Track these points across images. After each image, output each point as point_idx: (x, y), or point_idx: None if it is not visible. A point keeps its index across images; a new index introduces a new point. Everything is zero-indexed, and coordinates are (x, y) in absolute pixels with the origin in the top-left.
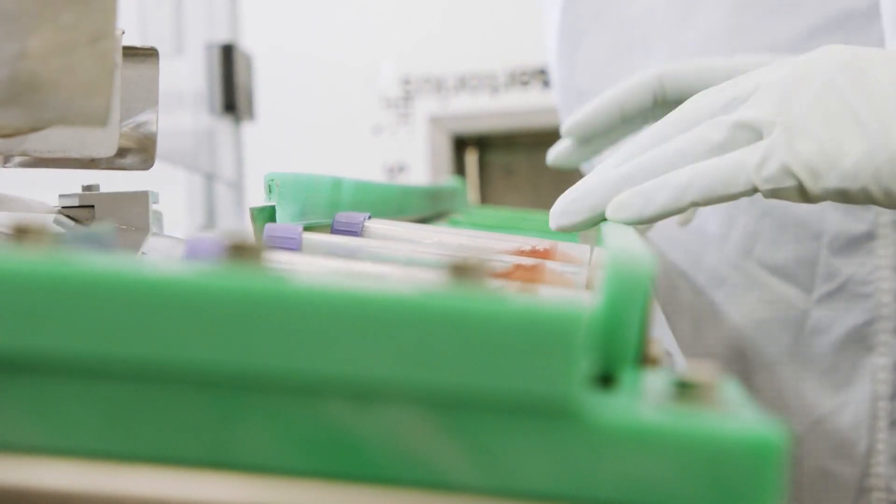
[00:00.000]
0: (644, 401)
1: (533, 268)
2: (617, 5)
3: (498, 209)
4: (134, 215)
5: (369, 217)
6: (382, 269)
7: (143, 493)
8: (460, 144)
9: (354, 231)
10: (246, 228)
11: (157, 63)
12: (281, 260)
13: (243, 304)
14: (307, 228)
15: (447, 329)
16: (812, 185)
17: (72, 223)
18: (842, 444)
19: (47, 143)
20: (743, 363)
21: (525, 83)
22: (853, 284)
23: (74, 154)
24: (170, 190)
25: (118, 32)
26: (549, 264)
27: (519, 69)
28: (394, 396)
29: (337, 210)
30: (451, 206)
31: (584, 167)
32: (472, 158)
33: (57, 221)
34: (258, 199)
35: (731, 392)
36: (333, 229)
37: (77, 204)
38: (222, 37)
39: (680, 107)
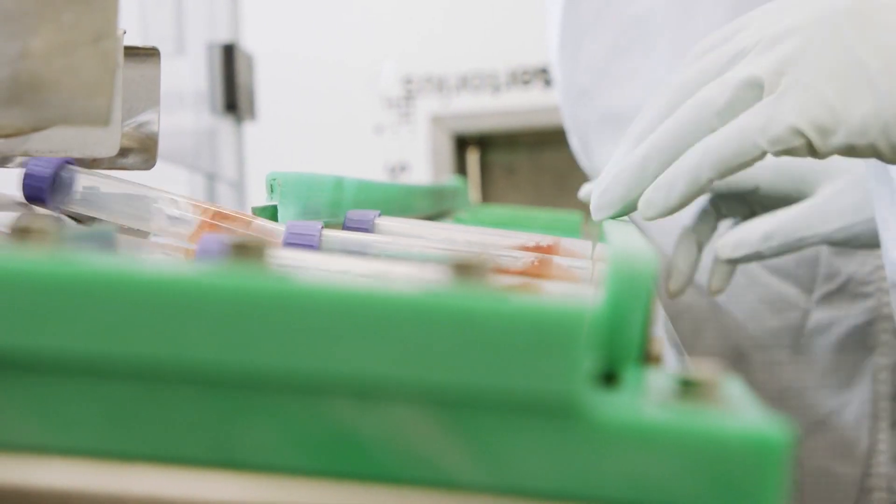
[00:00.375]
0: (647, 399)
1: (540, 263)
2: (618, 5)
3: (501, 207)
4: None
5: (379, 214)
6: (397, 265)
7: (146, 492)
8: (462, 144)
9: (366, 228)
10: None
11: (159, 63)
12: (298, 257)
13: (246, 303)
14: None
15: (451, 328)
16: (821, 144)
17: (73, 223)
18: (843, 444)
19: (49, 143)
20: (743, 363)
21: (527, 82)
22: (854, 284)
23: (76, 154)
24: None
25: (120, 32)
26: (556, 259)
27: (520, 68)
28: (397, 395)
29: (339, 209)
30: (452, 205)
31: (587, 169)
32: (473, 158)
33: (59, 221)
34: (259, 198)
35: (734, 390)
36: (345, 227)
37: None
38: (224, 37)
39: (683, 66)
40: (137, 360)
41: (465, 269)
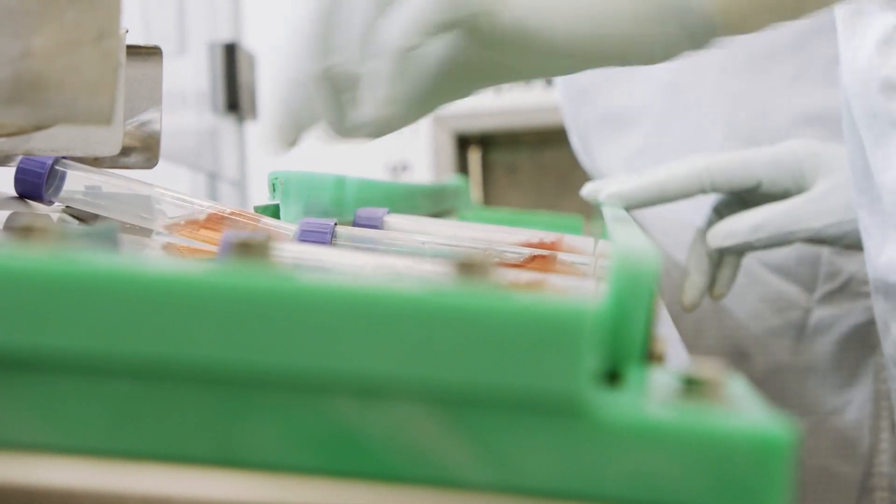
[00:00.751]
0: (651, 398)
1: (545, 258)
2: None
3: (501, 210)
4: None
5: (388, 212)
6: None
7: (150, 491)
8: (463, 143)
9: (375, 225)
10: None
11: (161, 62)
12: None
13: (249, 302)
14: None
15: (454, 326)
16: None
17: (76, 222)
18: (844, 443)
19: (51, 141)
20: (744, 362)
21: (528, 82)
22: (855, 283)
23: (78, 153)
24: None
25: (122, 31)
26: (560, 255)
27: None
28: (401, 394)
29: (341, 208)
30: (454, 204)
31: (588, 168)
32: (475, 157)
33: (61, 220)
34: (261, 198)
35: (737, 389)
36: (355, 224)
37: None
38: (225, 36)
39: None
40: (140, 358)
41: (469, 267)
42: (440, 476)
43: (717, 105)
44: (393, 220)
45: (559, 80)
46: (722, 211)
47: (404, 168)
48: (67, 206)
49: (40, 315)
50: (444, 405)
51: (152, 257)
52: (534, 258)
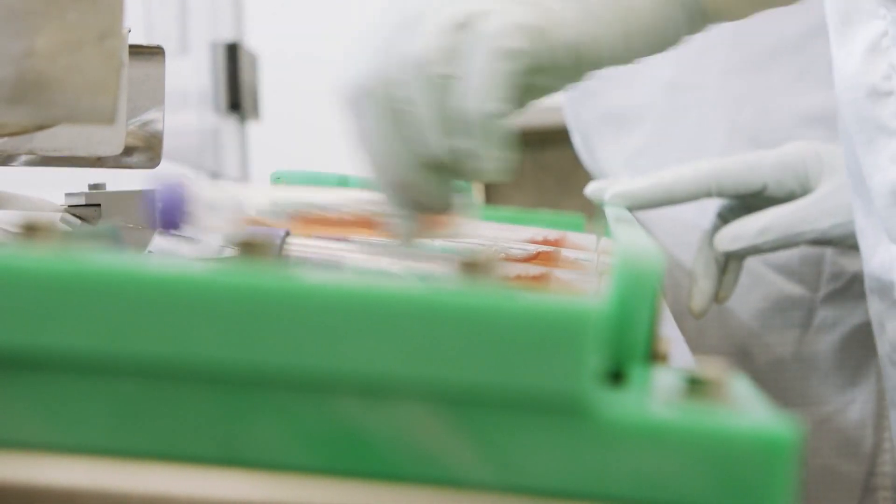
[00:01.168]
0: (654, 397)
1: (549, 255)
2: None
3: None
4: (140, 214)
5: None
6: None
7: (153, 490)
8: None
9: None
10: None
11: (163, 61)
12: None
13: (253, 301)
14: None
15: (458, 326)
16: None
17: (79, 221)
18: (847, 442)
19: (54, 141)
20: (748, 362)
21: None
22: (859, 283)
23: (81, 152)
24: None
25: (125, 31)
26: (564, 251)
27: None
28: (405, 393)
29: None
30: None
31: (590, 168)
32: None
33: (63, 220)
34: None
35: (741, 388)
36: None
37: (84, 202)
38: (227, 36)
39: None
40: (144, 357)
41: (473, 266)
42: (444, 475)
43: (719, 105)
44: None
45: None
46: (726, 216)
47: None
48: (69, 206)
49: (44, 314)
50: (448, 405)
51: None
52: (538, 255)
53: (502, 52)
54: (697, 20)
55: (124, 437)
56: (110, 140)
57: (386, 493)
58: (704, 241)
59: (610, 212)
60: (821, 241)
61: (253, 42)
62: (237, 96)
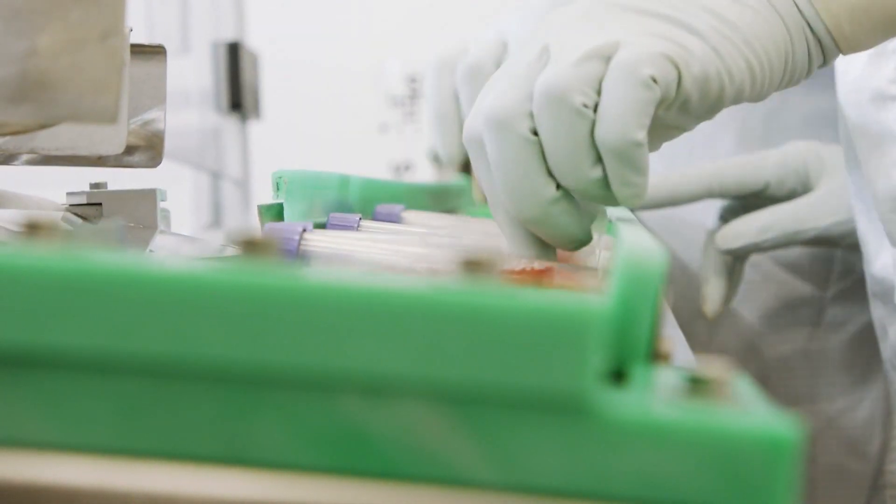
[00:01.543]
0: (657, 397)
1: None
2: None
3: None
4: (142, 213)
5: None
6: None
7: (157, 489)
8: None
9: (394, 220)
10: (253, 225)
11: (165, 61)
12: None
13: (257, 300)
14: (317, 226)
15: (461, 325)
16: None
17: (80, 221)
18: (856, 441)
19: (56, 140)
20: (757, 359)
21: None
22: None
23: (83, 151)
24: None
25: (127, 30)
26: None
27: None
28: (408, 392)
29: (345, 208)
30: (457, 204)
31: None
32: None
33: (65, 219)
34: (264, 197)
35: (743, 387)
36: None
37: (85, 202)
38: (228, 35)
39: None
40: (147, 356)
41: (475, 265)
42: (447, 474)
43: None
44: (410, 216)
45: None
46: (727, 217)
47: (408, 168)
48: (71, 205)
49: (46, 313)
50: (451, 404)
51: (159, 256)
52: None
53: (643, 81)
54: (830, 52)
55: (127, 435)
56: (112, 139)
57: (389, 492)
58: (709, 243)
59: (612, 211)
60: (821, 239)
61: (254, 42)
62: (239, 96)
